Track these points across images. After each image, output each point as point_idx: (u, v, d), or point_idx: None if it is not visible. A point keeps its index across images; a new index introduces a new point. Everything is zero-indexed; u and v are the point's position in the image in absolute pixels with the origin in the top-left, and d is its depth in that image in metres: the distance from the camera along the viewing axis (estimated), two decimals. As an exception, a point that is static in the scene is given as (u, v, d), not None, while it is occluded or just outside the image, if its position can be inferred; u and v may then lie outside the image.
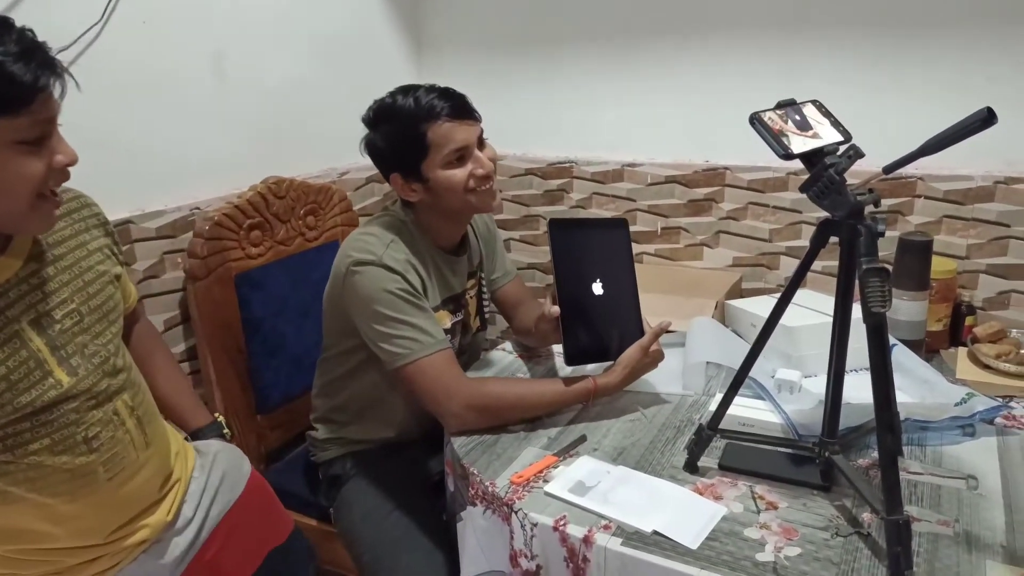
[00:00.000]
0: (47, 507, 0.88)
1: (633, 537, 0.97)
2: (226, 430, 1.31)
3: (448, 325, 1.37)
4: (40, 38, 0.76)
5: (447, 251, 1.39)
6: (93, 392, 0.89)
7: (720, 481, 1.09)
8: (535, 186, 2.00)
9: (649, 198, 1.84)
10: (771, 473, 1.09)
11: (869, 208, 0.92)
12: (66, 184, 0.85)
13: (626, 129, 1.85)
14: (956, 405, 1.19)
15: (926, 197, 1.57)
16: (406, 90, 1.27)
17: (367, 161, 1.32)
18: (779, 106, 0.97)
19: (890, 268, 1.44)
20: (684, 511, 1.02)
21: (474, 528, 1.16)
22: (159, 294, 1.52)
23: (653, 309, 1.55)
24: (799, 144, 0.94)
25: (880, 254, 0.90)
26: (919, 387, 1.29)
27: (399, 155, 1.26)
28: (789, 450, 1.12)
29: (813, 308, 1.45)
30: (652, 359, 1.30)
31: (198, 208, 1.56)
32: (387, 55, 1.99)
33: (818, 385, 1.31)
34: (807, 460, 1.08)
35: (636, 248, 1.91)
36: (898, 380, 1.31)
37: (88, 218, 0.98)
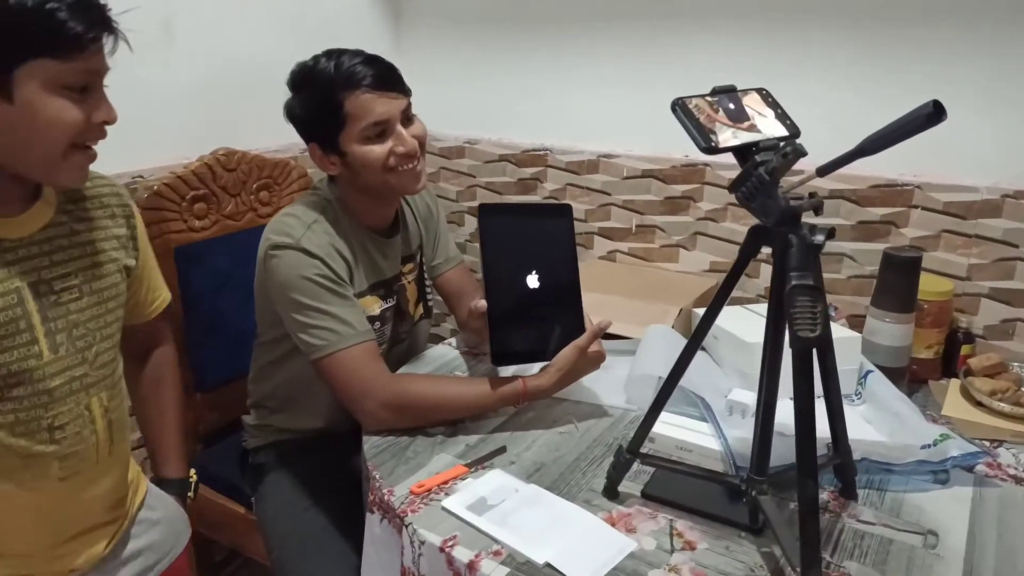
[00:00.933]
0: None
1: (523, 568, 0.87)
2: (191, 493, 1.25)
3: (376, 312, 1.28)
4: None
5: (377, 232, 1.30)
6: (69, 376, 0.86)
7: (638, 511, 0.99)
8: (508, 173, 1.89)
9: (624, 192, 1.72)
10: (696, 507, 0.98)
11: (807, 216, 0.80)
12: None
13: (603, 117, 1.73)
14: (923, 448, 1.04)
15: (923, 208, 1.42)
16: (330, 54, 1.18)
17: None
18: (714, 92, 0.85)
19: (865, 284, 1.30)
20: (587, 542, 0.92)
21: (372, 537, 1.07)
22: (91, 264, 1.46)
23: (608, 312, 1.44)
24: (729, 136, 0.82)
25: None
26: (889, 421, 1.15)
27: (316, 124, 1.18)
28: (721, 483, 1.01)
29: (779, 323, 1.32)
30: (591, 361, 1.18)
31: (140, 176, 1.50)
32: (363, 29, 1.89)
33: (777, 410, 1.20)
34: (738, 493, 0.96)
35: (609, 246, 1.79)
36: (867, 411, 1.18)
37: (115, 207, 0.98)
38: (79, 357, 0.88)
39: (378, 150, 1.17)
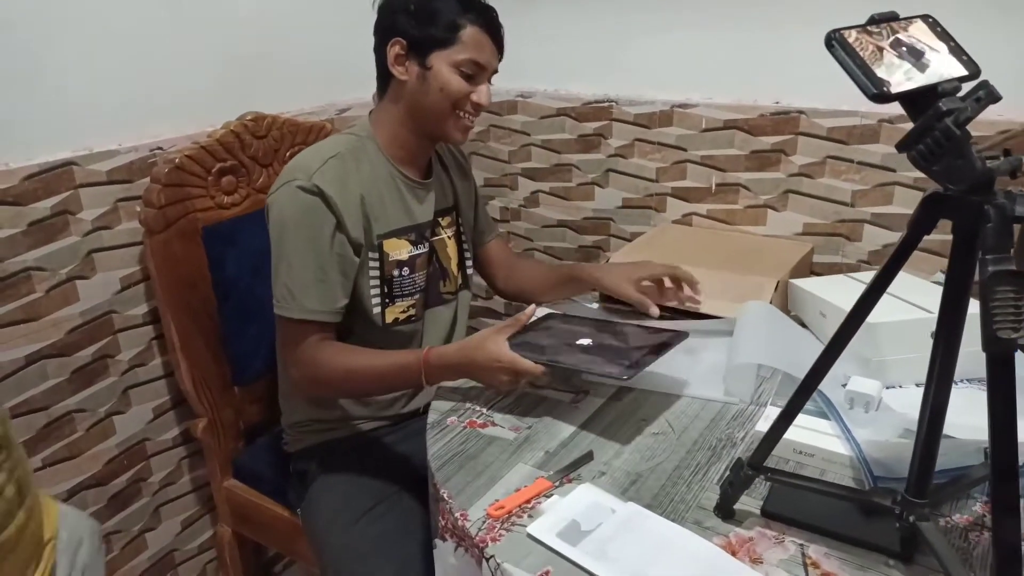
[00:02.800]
0: None
1: (632, 612, 0.72)
2: None
3: (404, 256, 1.21)
4: None
5: (410, 175, 1.22)
6: None
7: (761, 535, 0.83)
8: (568, 129, 1.69)
9: (703, 147, 1.51)
10: (831, 529, 0.83)
11: (1002, 179, 0.62)
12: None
13: (677, 62, 1.50)
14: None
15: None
16: None
17: (372, 94, 1.18)
18: (872, 22, 0.66)
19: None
20: (705, 578, 0.77)
21: (445, 569, 0.94)
22: (113, 248, 1.33)
23: (704, 289, 1.27)
24: (900, 79, 0.63)
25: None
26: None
27: (421, 23, 1.11)
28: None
29: (903, 297, 1.13)
30: (487, 359, 1.03)
31: (160, 148, 1.35)
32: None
33: (903, 400, 1.03)
34: (884, 512, 0.80)
35: (684, 208, 1.60)
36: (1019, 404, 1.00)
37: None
38: None
39: (463, 86, 1.13)
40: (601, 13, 1.58)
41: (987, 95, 0.60)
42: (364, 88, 1.20)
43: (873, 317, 1.04)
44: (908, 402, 1.04)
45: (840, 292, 1.20)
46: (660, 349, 1.07)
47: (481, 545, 0.83)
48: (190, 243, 1.34)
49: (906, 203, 1.32)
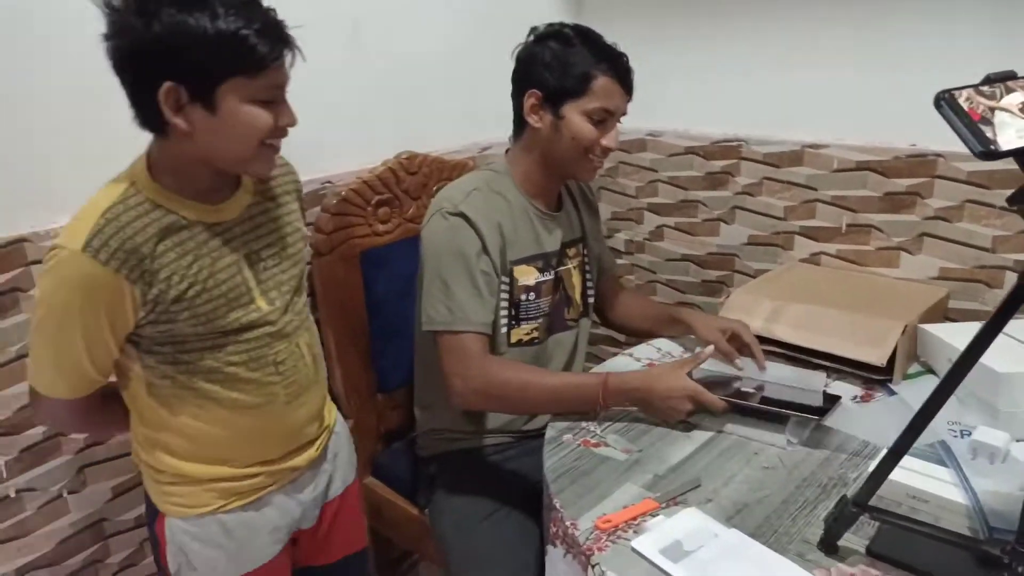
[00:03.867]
0: (235, 416, 1.03)
1: (727, 631, 0.77)
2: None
3: (531, 282, 1.30)
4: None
5: (542, 208, 1.32)
6: (280, 323, 1.04)
7: (864, 573, 0.85)
8: (696, 167, 1.73)
9: (834, 187, 1.50)
10: (936, 574, 0.82)
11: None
12: (296, 149, 1.08)
13: (807, 101, 1.51)
14: None
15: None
16: (586, 31, 1.24)
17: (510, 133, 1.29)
18: (987, 81, 0.69)
19: None
20: (804, 607, 0.80)
21: (555, 572, 1.01)
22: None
23: (817, 326, 1.28)
24: (1011, 136, 0.65)
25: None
26: None
27: (556, 76, 1.21)
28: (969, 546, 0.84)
29: (1039, 347, 1.09)
30: (665, 397, 1.14)
31: (330, 182, 1.53)
32: (541, 20, 1.82)
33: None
34: (994, 563, 0.79)
35: (813, 247, 1.59)
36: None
37: (290, 183, 1.14)
38: (285, 309, 1.05)
39: (592, 133, 1.21)
40: (731, 54, 1.62)
41: (1102, 152, 0.62)
42: (503, 128, 1.30)
43: (1005, 367, 1.04)
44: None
45: (968, 339, 1.16)
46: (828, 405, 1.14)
47: (588, 553, 0.90)
48: (349, 265, 1.50)
49: (1051, 250, 1.27)
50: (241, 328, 1.00)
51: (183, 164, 0.94)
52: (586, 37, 1.22)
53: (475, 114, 1.75)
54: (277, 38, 0.91)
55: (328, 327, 1.50)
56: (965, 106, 0.66)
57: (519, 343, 1.30)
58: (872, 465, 1.01)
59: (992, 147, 0.64)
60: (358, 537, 1.29)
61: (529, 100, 1.23)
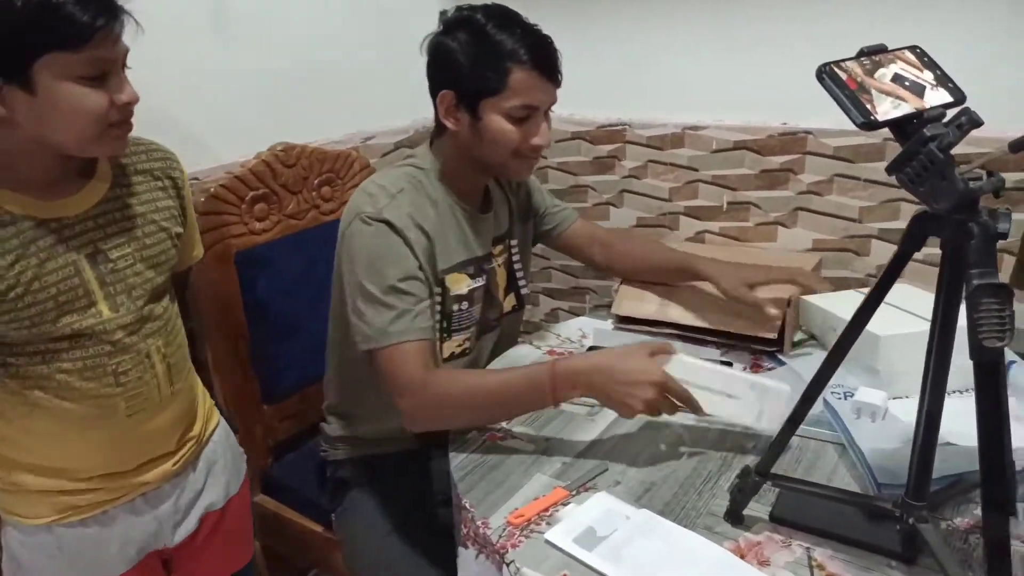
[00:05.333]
0: (69, 430, 0.96)
1: (646, 613, 0.76)
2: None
3: (464, 291, 1.19)
4: None
5: (470, 206, 1.21)
6: (129, 330, 0.97)
7: (769, 539, 0.87)
8: (583, 152, 1.75)
9: (714, 167, 1.56)
10: (836, 532, 0.86)
11: (986, 198, 0.66)
12: (157, 141, 1.06)
13: (688, 85, 1.56)
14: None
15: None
16: (505, 15, 1.09)
17: (398, 123, 1.15)
18: (862, 54, 0.71)
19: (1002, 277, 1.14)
20: (716, 580, 0.80)
21: (467, 574, 0.98)
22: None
23: (708, 303, 1.31)
24: (888, 107, 0.67)
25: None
26: (1045, 421, 0.99)
27: (467, 74, 1.07)
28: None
29: (910, 311, 1.16)
30: (622, 383, 0.97)
31: (196, 179, 1.42)
32: (429, 8, 1.77)
33: (909, 409, 1.05)
34: (887, 516, 0.83)
35: (697, 226, 1.64)
36: (1014, 408, 1.03)
37: (165, 178, 1.05)
38: (138, 314, 0.98)
39: (516, 133, 1.09)
40: (613, 39, 1.64)
41: (968, 121, 0.65)
42: (388, 117, 1.23)
43: (881, 330, 1.10)
44: (914, 411, 1.07)
45: (850, 307, 1.22)
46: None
47: (501, 551, 0.87)
48: (224, 267, 1.40)
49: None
50: (75, 335, 0.93)
51: (7, 152, 0.87)
52: (500, 22, 1.07)
53: (358, 102, 1.68)
54: (100, 5, 0.81)
55: (204, 336, 1.40)
56: (844, 77, 0.67)
57: (451, 357, 1.21)
58: (766, 435, 1.06)
59: (872, 118, 0.66)
60: (243, 552, 1.24)
61: (443, 102, 1.11)
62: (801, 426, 1.01)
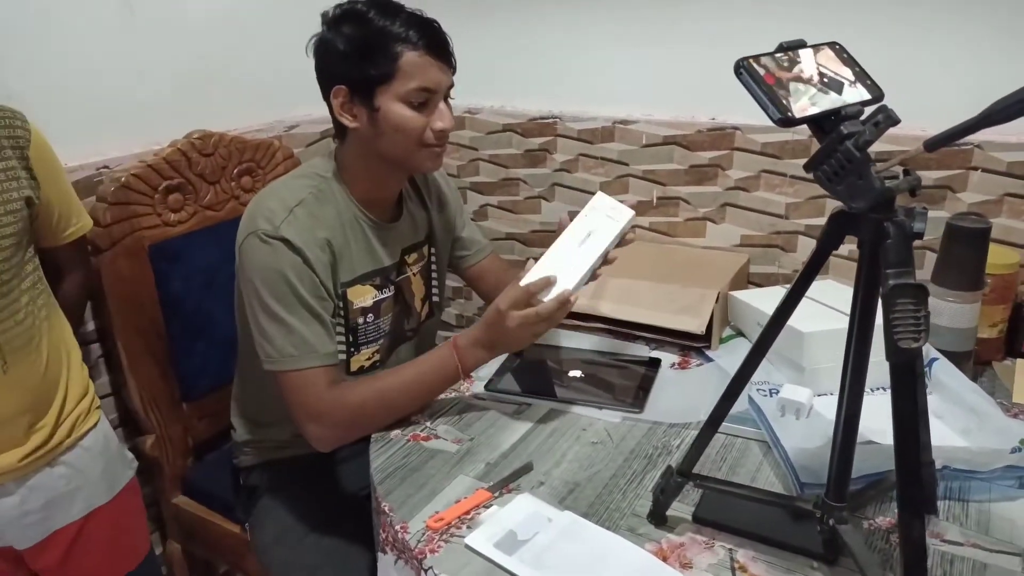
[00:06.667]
0: None
1: (565, 619, 0.74)
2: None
3: (369, 303, 1.15)
4: None
5: (377, 216, 1.16)
6: None
7: (692, 540, 0.86)
8: (515, 144, 1.71)
9: (644, 161, 1.55)
10: (759, 533, 0.85)
11: (902, 197, 0.65)
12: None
13: (618, 79, 1.54)
14: (1012, 452, 0.91)
15: (984, 170, 1.26)
16: (387, 5, 1.05)
17: (323, 111, 1.11)
18: (781, 49, 0.70)
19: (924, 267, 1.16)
20: (637, 583, 0.79)
21: (386, 581, 0.95)
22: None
23: (638, 300, 1.31)
24: (805, 104, 0.66)
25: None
26: (964, 417, 1.01)
27: (356, 64, 1.03)
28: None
29: (835, 307, 1.18)
30: (516, 325, 1.01)
31: (107, 167, 1.34)
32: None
33: (834, 407, 1.07)
34: (808, 516, 0.83)
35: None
36: (937, 405, 1.05)
37: (4, 139, 0.99)
38: None
39: (417, 119, 1.05)
40: (544, 31, 1.61)
41: (886, 119, 0.64)
42: (312, 105, 1.16)
43: (805, 326, 1.11)
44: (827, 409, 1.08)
45: (776, 303, 1.23)
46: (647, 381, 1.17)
47: (420, 557, 0.84)
48: (136, 261, 1.33)
49: (838, 216, 1.37)
50: None
51: None
52: (383, 9, 1.04)
53: (279, 88, 1.61)
54: None
55: (116, 333, 1.32)
56: (762, 73, 0.66)
57: (360, 370, 1.17)
58: (692, 432, 1.06)
59: (789, 114, 0.65)
60: (115, 568, 1.18)
61: (336, 99, 1.06)
62: (726, 424, 1.03)
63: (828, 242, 0.71)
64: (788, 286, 1.27)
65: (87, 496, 1.11)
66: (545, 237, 1.76)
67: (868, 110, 0.67)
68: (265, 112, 1.63)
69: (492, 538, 0.86)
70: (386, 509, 0.92)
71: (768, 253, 1.48)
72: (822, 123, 0.68)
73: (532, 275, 1.03)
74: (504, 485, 0.95)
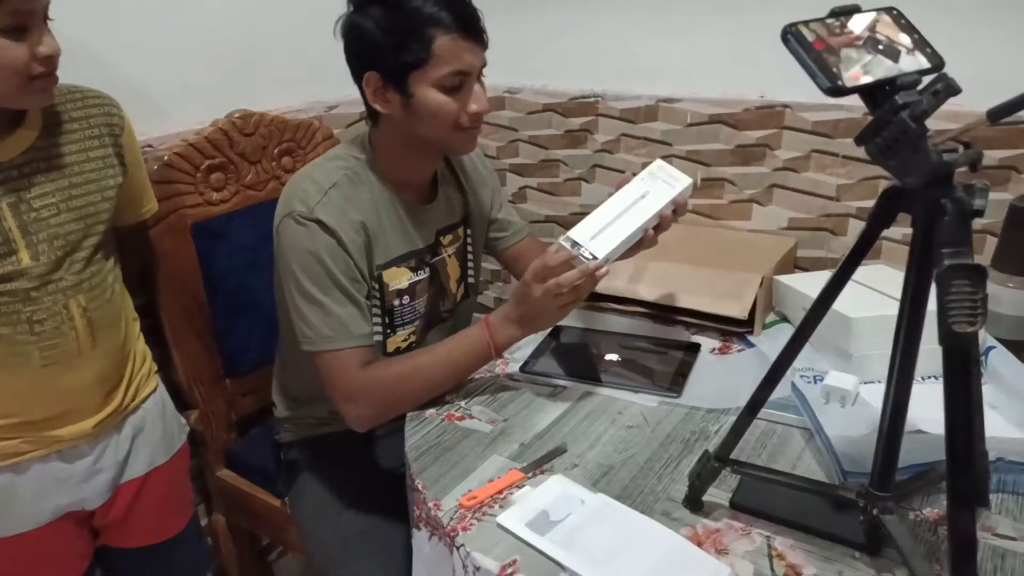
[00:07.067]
0: None
1: (597, 602, 0.73)
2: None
3: (404, 284, 1.15)
4: None
5: (411, 197, 1.15)
6: (48, 279, 0.97)
7: (728, 526, 0.84)
8: (555, 125, 1.68)
9: (688, 141, 1.50)
10: (798, 521, 0.83)
11: (960, 172, 0.62)
12: (96, 88, 1.06)
13: (662, 56, 1.49)
14: (1071, 442, 0.87)
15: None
16: None
17: None
18: (833, 15, 0.66)
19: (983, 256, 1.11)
20: (672, 567, 0.78)
21: (421, 557, 0.95)
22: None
23: (677, 284, 1.27)
24: (857, 72, 0.63)
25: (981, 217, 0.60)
26: (1021, 408, 0.96)
27: (389, 51, 1.00)
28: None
29: (882, 291, 1.13)
30: (545, 296, 1.00)
31: (150, 146, 1.35)
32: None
33: (881, 394, 1.03)
34: (851, 505, 0.80)
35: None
36: (992, 395, 1.00)
37: (101, 126, 1.04)
38: (57, 264, 0.98)
39: (451, 104, 1.03)
40: (586, 8, 1.57)
41: (945, 88, 0.60)
42: (351, 86, 1.15)
43: (852, 312, 1.06)
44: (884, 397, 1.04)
45: (820, 288, 1.19)
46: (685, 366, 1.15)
47: (452, 534, 0.84)
48: (179, 239, 1.35)
49: (891, 198, 1.31)
50: None
51: None
52: None
53: (320, 68, 1.58)
54: None
55: (161, 309, 1.35)
56: (811, 39, 0.63)
57: (396, 351, 1.17)
58: (732, 418, 1.03)
59: (839, 83, 0.61)
60: (168, 525, 1.23)
61: (368, 86, 1.04)
62: (767, 410, 1.02)
63: (878, 221, 0.68)
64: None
65: (149, 454, 1.16)
66: (585, 219, 1.74)
67: (926, 80, 0.63)
68: (305, 92, 1.63)
69: (524, 518, 0.85)
70: (420, 487, 0.92)
71: (817, 237, 1.42)
72: (875, 93, 0.64)
73: (575, 232, 1.02)
74: (537, 466, 0.94)
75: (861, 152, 1.22)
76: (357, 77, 1.06)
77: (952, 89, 0.60)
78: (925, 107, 0.60)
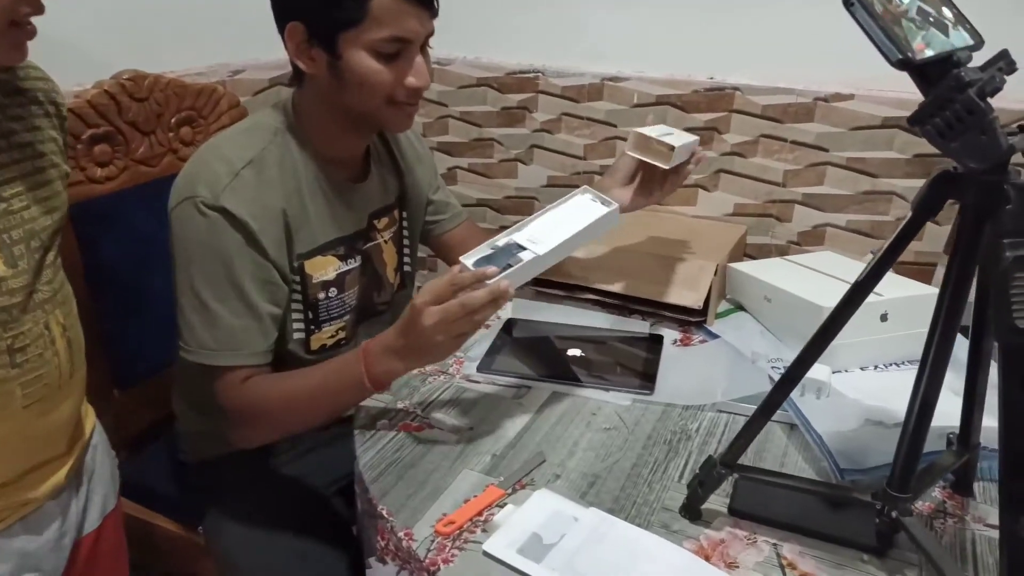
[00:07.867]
0: None
1: (611, 637, 0.65)
2: None
3: (331, 275, 1.01)
4: None
5: (340, 175, 1.01)
6: (27, 291, 0.77)
7: (732, 536, 0.78)
8: (489, 101, 1.58)
9: (634, 123, 1.44)
10: (804, 526, 0.78)
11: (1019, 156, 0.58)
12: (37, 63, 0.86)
13: (610, 31, 1.43)
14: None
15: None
16: None
17: (272, 56, 0.93)
18: (892, -18, 0.60)
19: None
20: (685, 590, 0.70)
21: (386, 595, 0.83)
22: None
23: (634, 272, 1.21)
24: (921, 45, 0.57)
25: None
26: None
27: (317, 0, 0.86)
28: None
29: (838, 277, 1.12)
30: (430, 327, 0.82)
31: (17, 110, 1.12)
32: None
33: (849, 384, 1.01)
34: (852, 505, 0.77)
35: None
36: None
37: (47, 104, 0.87)
38: (36, 271, 0.79)
39: (386, 74, 0.89)
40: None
41: (1008, 64, 0.56)
42: (260, 48, 0.99)
43: (823, 300, 1.04)
44: (854, 386, 1.03)
45: (783, 276, 1.17)
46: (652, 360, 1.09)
47: (432, 568, 0.73)
48: (56, 222, 1.13)
49: (837, 183, 1.31)
50: None
51: None
52: None
53: (224, 26, 1.42)
54: None
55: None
56: (879, 9, 0.56)
57: (322, 349, 1.04)
58: (709, 414, 0.98)
59: (910, 54, 0.55)
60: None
61: (292, 37, 0.89)
62: (743, 404, 0.97)
63: (927, 207, 0.63)
64: (789, 258, 1.21)
65: (103, 498, 0.97)
66: (521, 204, 1.64)
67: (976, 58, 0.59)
68: (207, 53, 1.43)
69: (514, 543, 0.75)
70: (384, 513, 0.80)
71: (762, 223, 1.41)
72: (927, 69, 0.59)
73: (469, 258, 0.89)
74: (517, 480, 0.85)
75: (810, 138, 1.19)
76: (280, 25, 0.91)
77: (1012, 67, 0.56)
78: (997, 84, 0.55)
